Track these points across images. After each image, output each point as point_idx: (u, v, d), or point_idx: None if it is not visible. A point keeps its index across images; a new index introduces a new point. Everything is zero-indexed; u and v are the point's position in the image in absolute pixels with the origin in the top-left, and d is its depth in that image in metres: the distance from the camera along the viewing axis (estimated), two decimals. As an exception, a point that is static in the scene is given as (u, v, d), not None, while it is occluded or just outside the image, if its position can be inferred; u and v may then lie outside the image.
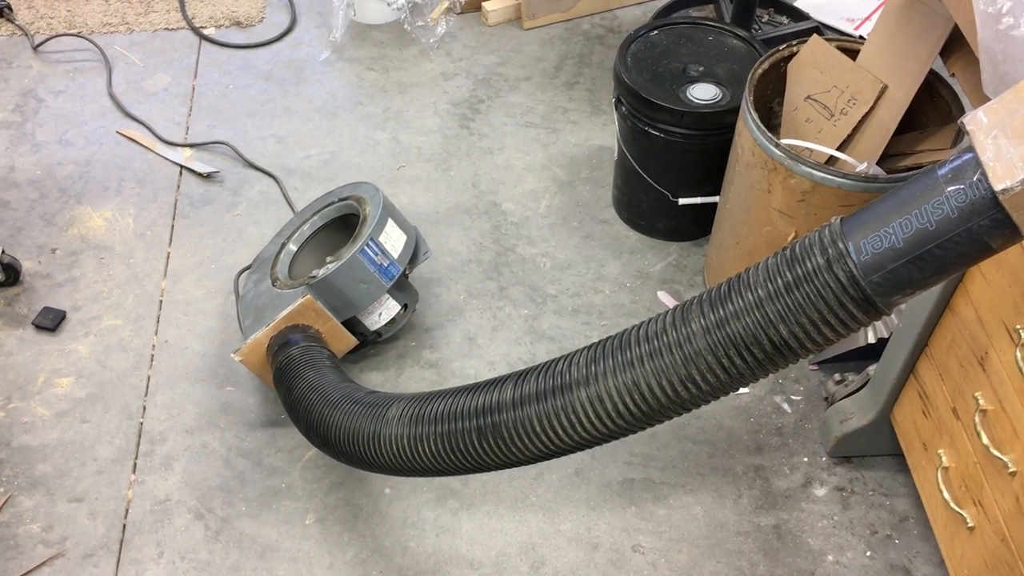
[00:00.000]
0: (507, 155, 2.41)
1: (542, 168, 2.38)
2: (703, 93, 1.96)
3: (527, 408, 1.12)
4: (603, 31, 2.79)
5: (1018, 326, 1.22)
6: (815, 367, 1.93)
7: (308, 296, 1.74)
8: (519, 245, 2.19)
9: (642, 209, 2.19)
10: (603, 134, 2.45)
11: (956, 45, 1.56)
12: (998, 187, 0.82)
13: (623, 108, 2.02)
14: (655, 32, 2.10)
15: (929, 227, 0.88)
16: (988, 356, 1.31)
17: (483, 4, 2.79)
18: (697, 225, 2.16)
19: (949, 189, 0.87)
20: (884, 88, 1.72)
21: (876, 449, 1.74)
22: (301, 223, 2.00)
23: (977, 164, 0.85)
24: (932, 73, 1.70)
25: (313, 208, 2.03)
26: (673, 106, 1.92)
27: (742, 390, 1.89)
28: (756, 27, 2.58)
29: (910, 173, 1.66)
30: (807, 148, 1.75)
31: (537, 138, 2.46)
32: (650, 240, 2.21)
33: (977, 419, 1.32)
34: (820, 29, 2.57)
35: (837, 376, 1.84)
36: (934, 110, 1.78)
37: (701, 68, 2.02)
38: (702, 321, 1.00)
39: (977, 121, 0.87)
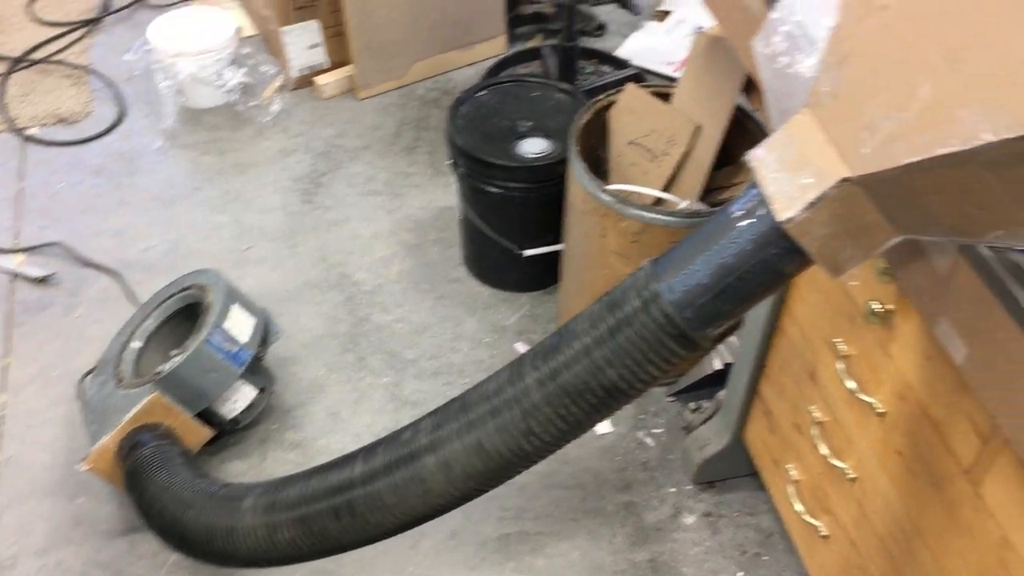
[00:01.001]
0: (353, 225, 2.42)
1: (390, 234, 2.39)
2: (534, 147, 2.02)
3: (377, 482, 1.12)
4: (438, 94, 2.84)
5: (835, 340, 1.29)
6: (672, 398, 1.99)
7: (155, 393, 1.68)
8: (374, 313, 2.19)
9: (491, 264, 2.23)
10: (446, 195, 2.49)
11: (754, 82, 1.67)
12: (782, 218, 0.88)
13: (459, 169, 2.06)
14: (482, 92, 2.15)
15: (728, 261, 0.93)
16: (816, 371, 1.38)
17: (316, 79, 2.80)
18: (546, 274, 2.21)
19: (741, 224, 0.92)
20: (698, 128, 1.81)
21: (736, 471, 1.80)
22: (144, 318, 1.94)
23: (763, 198, 0.91)
24: (740, 109, 1.81)
25: (155, 301, 1.97)
26: (506, 163, 1.98)
27: (604, 430, 1.93)
28: (582, 78, 2.68)
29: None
30: (635, 191, 1.83)
31: (382, 205, 2.47)
32: (503, 293, 2.24)
33: (815, 432, 1.39)
34: (641, 75, 2.69)
35: (692, 405, 1.90)
36: (747, 144, 1.88)
37: (530, 123, 2.08)
38: (536, 374, 1.02)
39: (759, 157, 0.94)
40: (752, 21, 1.23)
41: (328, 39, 2.74)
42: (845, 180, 0.84)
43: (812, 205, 0.86)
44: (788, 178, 0.89)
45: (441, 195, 2.50)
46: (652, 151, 1.87)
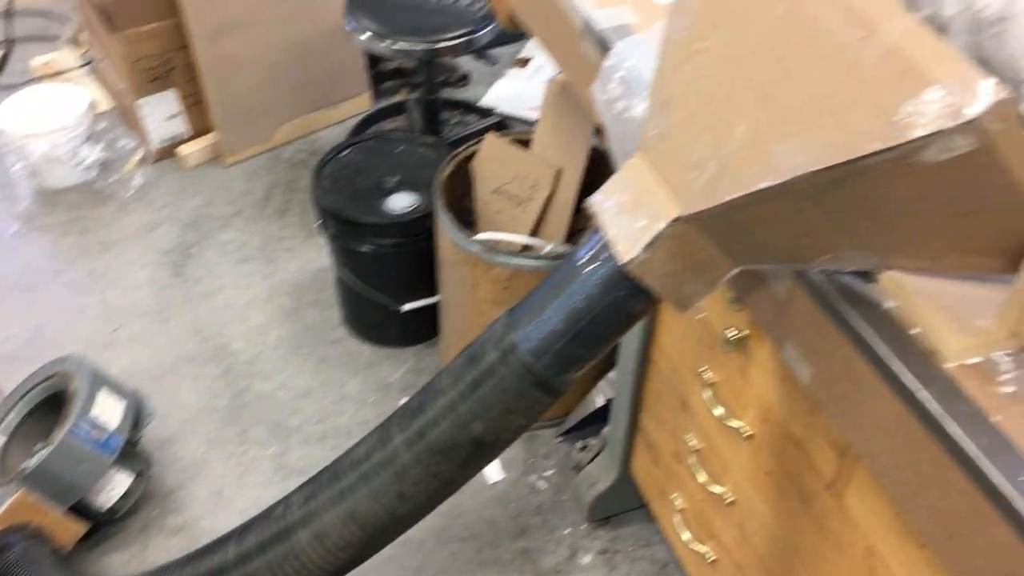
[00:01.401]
0: (227, 294, 2.37)
1: (266, 300, 2.35)
2: (401, 202, 2.02)
3: (253, 563, 1.09)
4: (306, 155, 2.83)
5: (700, 368, 1.33)
6: (560, 439, 2.00)
7: (21, 491, 1.60)
8: (254, 383, 2.14)
9: (370, 322, 2.21)
10: (321, 255, 2.46)
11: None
12: (624, 260, 0.90)
13: (329, 231, 2.05)
14: (346, 152, 2.15)
15: (579, 306, 0.95)
16: (688, 400, 1.42)
17: (178, 149, 2.75)
18: (426, 326, 2.20)
19: (587, 270, 0.94)
20: (559, 171, 1.85)
21: (627, 505, 1.82)
22: (6, 413, 1.85)
23: (605, 242, 0.93)
24: (596, 150, 1.86)
25: (18, 394, 1.88)
26: (375, 220, 1.97)
27: (495, 477, 1.93)
28: (448, 129, 2.71)
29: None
30: (503, 239, 1.85)
31: (256, 271, 2.43)
32: (385, 350, 2.23)
33: (693, 460, 1.42)
34: (505, 122, 2.74)
35: (580, 444, 1.92)
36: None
37: (396, 179, 2.08)
38: (403, 435, 1.02)
39: (598, 202, 0.96)
40: (591, 68, 1.26)
41: (187, 108, 2.70)
42: (677, 219, 0.87)
43: (650, 246, 0.89)
44: (627, 221, 0.92)
45: (316, 256, 2.47)
46: (517, 197, 1.90)
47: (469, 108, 2.84)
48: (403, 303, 2.10)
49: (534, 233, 1.88)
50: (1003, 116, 0.64)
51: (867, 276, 0.90)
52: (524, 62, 3.12)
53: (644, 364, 1.54)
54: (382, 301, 2.10)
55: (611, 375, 1.86)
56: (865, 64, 0.72)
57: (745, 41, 0.83)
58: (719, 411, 1.29)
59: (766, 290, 1.01)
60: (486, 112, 2.81)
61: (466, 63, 3.18)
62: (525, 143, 1.93)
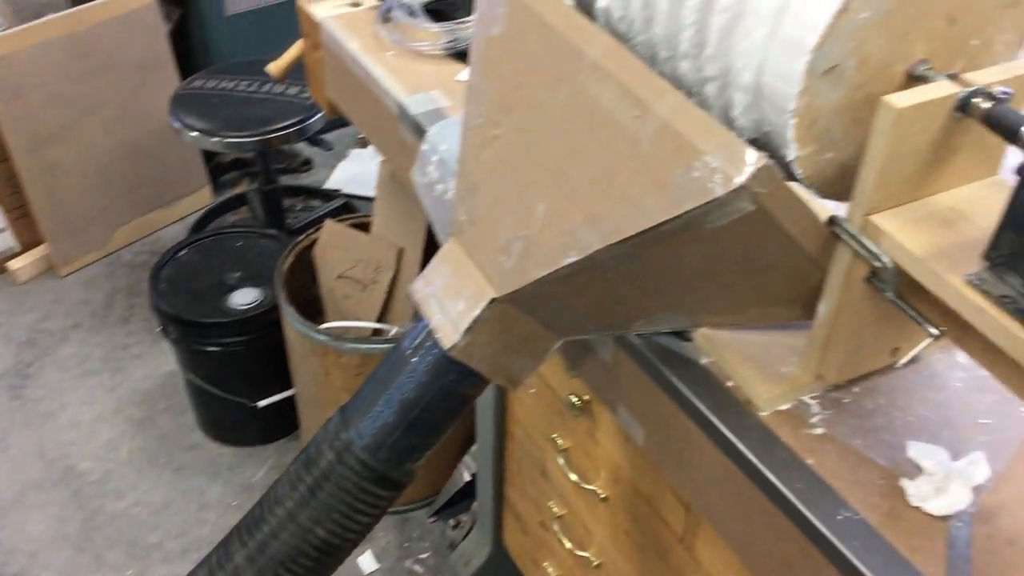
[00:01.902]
0: (72, 412, 2.25)
1: (114, 413, 2.25)
2: (245, 298, 1.98)
3: None
4: (147, 256, 2.74)
5: (553, 435, 1.34)
6: (433, 519, 1.97)
7: None
8: (107, 503, 2.03)
9: (227, 423, 2.14)
10: (171, 359, 2.38)
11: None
12: (447, 346, 0.90)
13: (172, 335, 1.98)
14: (183, 251, 2.10)
15: (410, 396, 0.94)
16: (546, 467, 1.42)
17: (7, 264, 2.62)
18: (285, 421, 2.15)
19: (415, 359, 0.94)
20: (401, 250, 1.85)
21: (505, 578, 1.81)
22: None
23: (429, 329, 0.94)
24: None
25: None
26: (218, 319, 1.92)
27: (370, 568, 1.88)
28: (292, 217, 2.69)
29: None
30: (351, 325, 1.83)
31: (101, 384, 2.32)
32: (245, 450, 2.16)
33: (557, 527, 1.42)
34: (350, 204, 2.74)
35: (452, 522, 1.90)
36: (451, 257, 1.95)
37: (238, 274, 2.04)
38: (244, 551, 0.98)
39: (418, 289, 0.97)
40: (411, 152, 1.28)
41: (13, 222, 2.58)
42: (494, 301, 0.89)
43: (470, 329, 0.89)
44: (447, 306, 0.93)
45: (165, 360, 2.39)
46: (362, 281, 1.89)
47: (312, 193, 2.82)
48: (258, 399, 2.04)
49: (383, 316, 1.87)
50: (768, 180, 0.68)
51: (682, 335, 0.93)
52: (366, 142, 3.13)
53: (502, 436, 1.54)
54: (236, 400, 2.04)
55: (474, 449, 1.86)
56: (642, 141, 0.75)
57: (536, 125, 0.86)
58: (574, 476, 1.30)
59: (594, 357, 1.04)
60: (330, 195, 2.80)
61: (307, 147, 3.17)
62: (365, 226, 1.93)
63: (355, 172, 3.02)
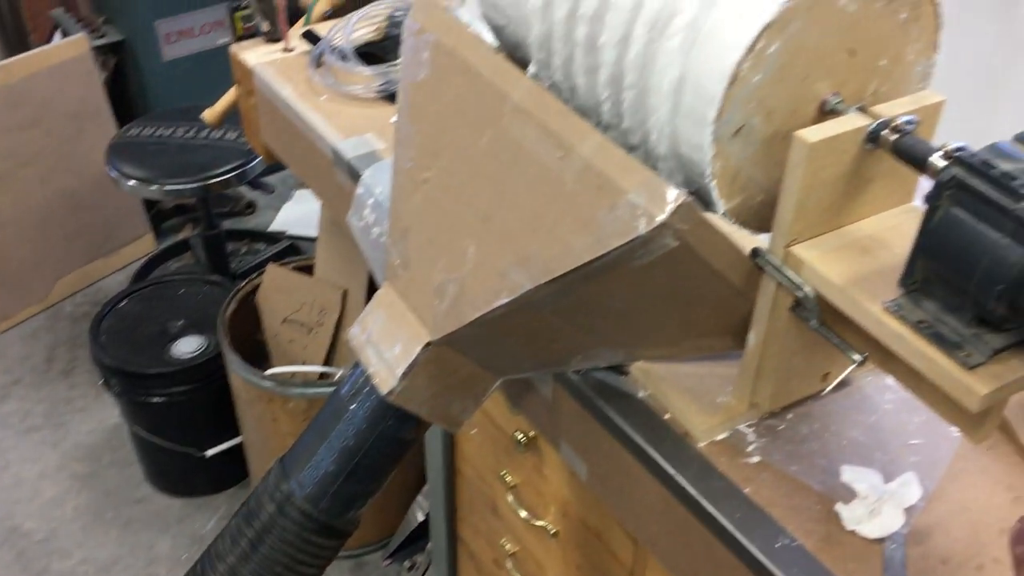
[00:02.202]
0: (14, 470, 2.19)
1: (58, 469, 2.19)
2: (188, 347, 1.96)
3: None
4: (89, 307, 2.69)
5: (502, 472, 1.34)
6: (388, 561, 1.95)
7: None
8: (52, 563, 1.98)
9: (175, 474, 2.10)
10: (115, 411, 2.33)
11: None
12: (385, 391, 0.90)
13: (115, 387, 1.95)
14: (124, 302, 2.07)
15: (350, 444, 0.94)
16: (496, 504, 1.42)
17: (-58, 321, 2.56)
18: (234, 469, 2.12)
19: (353, 406, 0.94)
20: (345, 292, 1.85)
21: (463, 618, 1.79)
22: None
23: (367, 375, 0.93)
24: (380, 267, 1.87)
25: None
26: (161, 369, 1.90)
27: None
28: (237, 261, 2.67)
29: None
30: (298, 370, 1.81)
31: (44, 440, 2.27)
32: (195, 500, 2.12)
33: (510, 564, 1.41)
34: (295, 246, 2.72)
35: (407, 563, 1.88)
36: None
37: (181, 322, 2.02)
38: (187, 609, 0.96)
39: (355, 335, 0.96)
40: (347, 196, 1.28)
41: (-52, 277, 2.53)
42: (429, 344, 0.89)
43: (407, 374, 0.89)
44: (384, 351, 0.92)
45: (110, 413, 2.34)
46: (307, 325, 1.87)
47: (257, 236, 2.80)
48: (206, 449, 2.01)
49: (329, 359, 1.86)
50: (689, 216, 0.70)
51: (619, 370, 0.94)
52: (309, 183, 3.12)
53: (451, 474, 1.53)
54: (183, 450, 2.00)
55: (426, 489, 1.84)
56: (566, 181, 0.76)
57: (464, 167, 0.87)
58: (524, 513, 1.29)
59: (535, 394, 1.04)
60: (275, 238, 2.78)
61: (250, 190, 3.15)
62: (310, 268, 1.92)
63: (300, 213, 3.00)
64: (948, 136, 0.71)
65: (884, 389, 0.90)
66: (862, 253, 0.74)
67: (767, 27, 0.68)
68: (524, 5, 0.93)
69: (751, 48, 0.69)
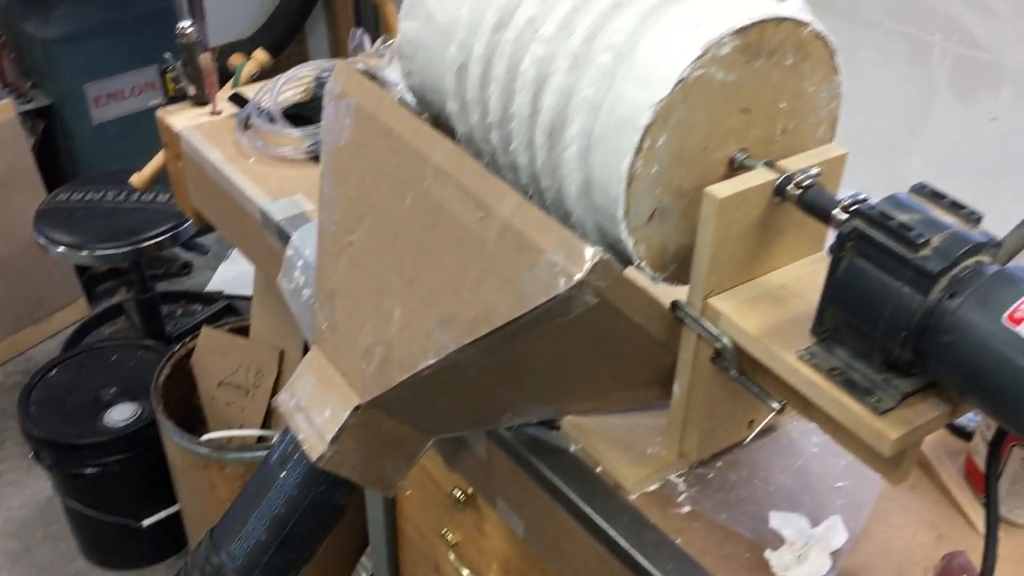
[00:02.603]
0: (-60, 550, 2.11)
1: (-12, 547, 2.12)
2: (121, 415, 1.92)
3: None
4: (20, 377, 2.62)
5: (443, 531, 1.32)
6: (335, 626, 1.91)
7: None
8: (-18, 647, 1.91)
9: (111, 546, 2.05)
10: (48, 484, 2.26)
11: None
12: (315, 457, 0.89)
13: (45, 460, 1.89)
14: (54, 371, 2.02)
15: (281, 512, 0.92)
16: (439, 563, 1.40)
17: None
18: (173, 537, 2.06)
19: (283, 473, 0.93)
20: (282, 352, 1.83)
21: None
22: None
23: (296, 440, 0.92)
24: (317, 326, 1.86)
25: None
26: (93, 439, 1.85)
27: None
28: (173, 323, 2.63)
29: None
30: (235, 434, 1.79)
31: (-27, 517, 2.20)
32: (132, 573, 2.06)
33: (455, 623, 1.40)
34: (233, 306, 2.69)
35: (354, 627, 1.84)
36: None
37: (114, 389, 1.98)
38: None
39: (283, 401, 0.95)
40: (278, 258, 1.27)
41: None
42: (358, 408, 0.88)
43: (337, 438, 0.88)
44: (313, 416, 0.92)
45: (43, 485, 2.27)
46: (244, 387, 1.85)
47: (193, 297, 2.77)
48: (143, 519, 1.96)
49: (268, 421, 1.83)
50: (607, 273, 0.71)
51: (551, 424, 0.94)
52: (245, 241, 3.09)
53: (393, 535, 1.52)
54: (119, 521, 1.95)
55: (369, 550, 1.82)
56: (487, 241, 0.77)
57: (387, 230, 0.87)
58: (466, 571, 1.28)
59: (469, 452, 1.04)
60: (212, 298, 2.75)
61: (185, 251, 3.12)
62: (246, 330, 1.89)
63: (237, 272, 2.97)
64: (864, 183, 0.74)
65: (810, 432, 0.92)
66: (776, 303, 0.76)
67: (647, 129, 0.71)
68: (444, 106, 0.96)
69: (639, 150, 0.72)
